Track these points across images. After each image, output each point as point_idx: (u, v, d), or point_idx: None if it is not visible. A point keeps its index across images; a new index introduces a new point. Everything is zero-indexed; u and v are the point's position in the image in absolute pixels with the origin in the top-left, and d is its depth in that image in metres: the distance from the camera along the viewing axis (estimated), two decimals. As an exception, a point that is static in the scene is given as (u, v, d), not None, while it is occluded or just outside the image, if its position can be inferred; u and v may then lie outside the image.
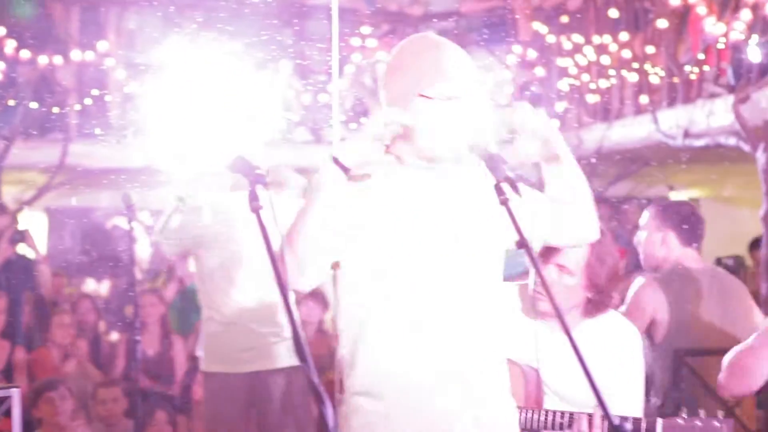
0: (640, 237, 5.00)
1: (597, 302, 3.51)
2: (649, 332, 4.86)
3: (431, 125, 2.81)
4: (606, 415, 2.26)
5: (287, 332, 5.36)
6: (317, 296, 7.18)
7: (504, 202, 2.62)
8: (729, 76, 7.74)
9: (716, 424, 3.19)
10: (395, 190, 2.86)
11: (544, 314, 3.45)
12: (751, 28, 7.50)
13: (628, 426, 3.19)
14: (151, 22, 8.02)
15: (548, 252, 3.43)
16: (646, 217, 4.98)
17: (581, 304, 3.51)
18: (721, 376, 3.76)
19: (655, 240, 4.93)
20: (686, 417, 3.22)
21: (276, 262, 2.40)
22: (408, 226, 2.82)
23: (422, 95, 2.81)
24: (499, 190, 2.64)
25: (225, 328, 5.14)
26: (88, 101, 9.83)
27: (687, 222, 4.97)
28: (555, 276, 3.45)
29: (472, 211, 2.85)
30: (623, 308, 4.78)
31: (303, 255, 2.71)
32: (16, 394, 3.31)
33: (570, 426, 3.27)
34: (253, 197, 2.52)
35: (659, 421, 3.24)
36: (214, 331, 5.19)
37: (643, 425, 3.22)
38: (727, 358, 3.78)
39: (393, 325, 2.79)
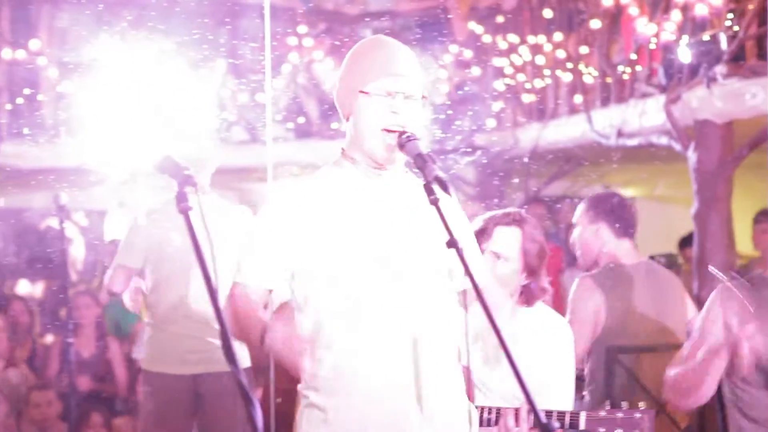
0: (575, 234, 5.04)
1: (532, 289, 3.59)
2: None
3: (372, 122, 2.82)
4: (533, 410, 2.29)
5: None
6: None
7: (434, 202, 2.63)
8: (660, 76, 7.84)
9: (637, 415, 3.28)
10: (346, 194, 2.87)
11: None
12: (681, 29, 7.61)
13: (555, 423, 3.25)
14: (81, 20, 7.92)
15: (481, 240, 3.50)
16: (578, 212, 5.02)
17: (516, 292, 3.58)
18: (669, 395, 3.81)
19: (588, 233, 4.96)
20: (609, 409, 3.31)
21: (204, 263, 2.39)
22: (356, 231, 2.83)
23: (363, 92, 2.82)
24: (428, 190, 2.65)
25: (169, 332, 5.12)
26: (19, 100, 9.68)
27: (618, 213, 5.00)
28: (490, 264, 3.53)
29: (420, 215, 2.84)
30: (568, 316, 4.82)
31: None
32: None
33: (497, 422, 3.31)
34: (182, 198, 2.50)
35: (582, 414, 3.31)
36: (157, 333, 5.16)
37: (568, 418, 3.29)
38: (670, 375, 3.82)
39: (346, 329, 2.81)
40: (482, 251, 3.49)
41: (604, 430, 3.30)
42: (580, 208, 5.01)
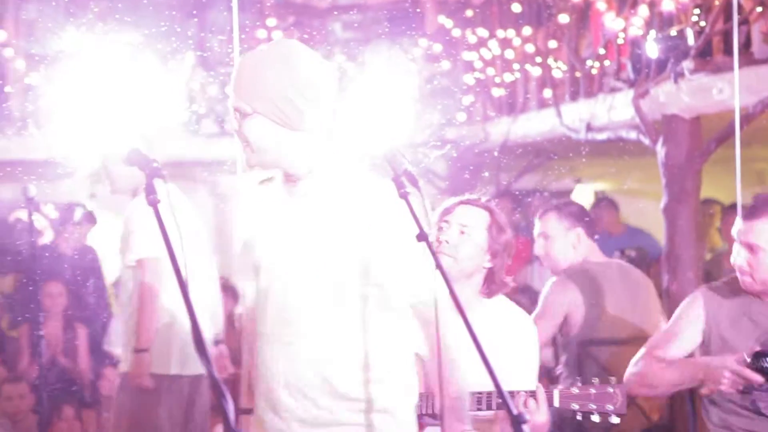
0: (546, 245, 5.04)
1: (494, 278, 3.61)
2: (561, 330, 4.94)
3: (265, 142, 2.84)
4: (501, 397, 2.31)
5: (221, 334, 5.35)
6: (227, 289, 7.13)
7: (404, 196, 2.66)
8: (629, 71, 7.88)
9: (609, 389, 3.32)
10: (265, 208, 2.96)
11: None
12: (648, 24, 7.65)
13: (526, 416, 3.27)
14: (48, 11, 7.87)
15: (448, 216, 3.55)
16: (547, 224, 5.03)
17: (479, 275, 3.59)
18: (630, 381, 3.86)
19: (567, 242, 5.00)
20: (581, 386, 3.35)
21: (174, 257, 2.39)
22: (272, 243, 2.91)
23: (257, 112, 2.83)
24: (398, 184, 2.67)
25: (167, 332, 5.07)
26: (-14, 93, 9.60)
27: (586, 215, 5.08)
28: (455, 237, 3.55)
29: (333, 225, 2.88)
30: (537, 309, 4.85)
31: None
32: None
33: (489, 406, 3.34)
34: (150, 190, 2.50)
35: (555, 392, 3.35)
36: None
37: (540, 396, 3.32)
38: (635, 364, 3.87)
39: (271, 339, 2.91)
40: (449, 224, 3.55)
41: (578, 406, 3.34)
42: (547, 219, 5.02)
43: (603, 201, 9.81)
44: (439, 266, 2.59)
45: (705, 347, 3.91)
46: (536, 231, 5.11)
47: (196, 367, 5.05)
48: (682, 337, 3.92)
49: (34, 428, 6.49)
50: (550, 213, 5.06)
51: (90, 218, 8.87)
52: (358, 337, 2.89)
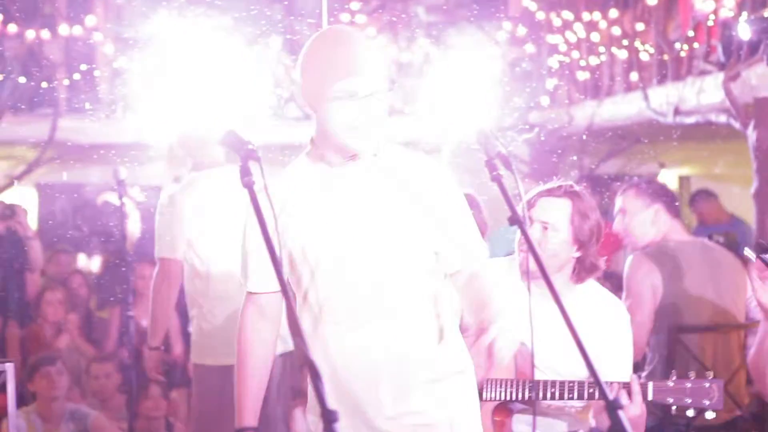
0: (625, 221, 5.01)
1: (584, 264, 3.56)
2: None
3: (340, 123, 2.82)
4: (598, 386, 2.28)
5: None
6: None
7: (497, 178, 2.65)
8: (719, 54, 7.74)
9: (706, 384, 3.27)
10: (320, 189, 2.92)
11: (533, 275, 3.48)
12: (740, 6, 7.50)
13: (623, 401, 3.24)
14: (137, -5, 7.96)
15: (530, 211, 3.51)
16: (626, 200, 5.00)
17: (568, 265, 3.56)
18: (759, 386, 3.78)
19: (645, 218, 4.95)
20: (676, 379, 3.30)
21: (269, 237, 2.41)
22: (328, 222, 2.88)
23: (328, 94, 2.82)
24: (491, 166, 2.66)
25: (219, 321, 5.00)
26: (76, 76, 9.77)
27: (669, 194, 5.02)
28: (539, 234, 3.51)
29: (392, 205, 2.89)
30: (624, 294, 4.80)
31: None
32: (10, 369, 3.32)
33: (562, 396, 3.32)
34: (245, 172, 2.52)
35: (650, 384, 3.30)
36: (206, 323, 5.05)
37: (635, 388, 3.28)
38: (753, 367, 3.77)
39: (331, 320, 2.90)
40: (531, 221, 3.51)
41: (672, 400, 3.29)
42: (627, 196, 4.99)
43: (701, 193, 9.58)
44: (531, 248, 2.57)
45: None
46: (616, 208, 5.08)
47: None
48: None
49: (121, 407, 6.61)
50: (630, 190, 5.03)
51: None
52: (429, 307, 2.93)
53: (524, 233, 2.58)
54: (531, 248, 2.55)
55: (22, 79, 9.46)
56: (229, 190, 4.70)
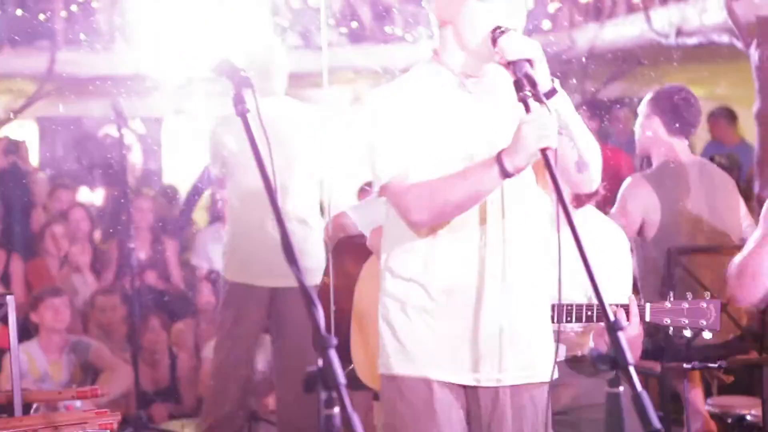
0: (636, 124, 5.03)
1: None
2: (639, 232, 4.88)
3: (478, 24, 2.82)
4: (602, 307, 2.30)
5: None
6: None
7: (522, 99, 2.65)
8: (722, -28, 7.64)
9: (703, 304, 3.28)
10: (440, 98, 2.89)
11: None
12: None
13: (623, 323, 3.25)
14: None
15: None
16: (643, 103, 5.00)
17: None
18: (731, 288, 3.79)
19: (644, 125, 4.95)
20: (673, 300, 3.31)
21: (263, 165, 2.40)
22: (451, 135, 2.87)
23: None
24: (518, 86, 2.66)
25: (252, 243, 5.13)
26: (74, 8, 9.68)
27: (677, 110, 4.96)
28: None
29: (511, 123, 2.83)
30: (614, 209, 4.80)
31: None
32: (11, 301, 3.34)
33: (599, 319, 3.33)
34: (239, 100, 2.51)
35: (647, 305, 3.32)
36: (240, 244, 5.20)
37: (633, 310, 3.30)
38: (732, 269, 3.79)
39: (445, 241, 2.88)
40: None
41: (669, 320, 3.31)
42: (645, 98, 4.98)
43: (722, 110, 9.48)
44: (552, 176, 2.55)
45: None
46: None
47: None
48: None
49: (124, 339, 6.68)
50: (649, 93, 5.00)
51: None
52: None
53: (546, 159, 2.59)
54: (552, 176, 2.55)
55: (18, 12, 9.38)
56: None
